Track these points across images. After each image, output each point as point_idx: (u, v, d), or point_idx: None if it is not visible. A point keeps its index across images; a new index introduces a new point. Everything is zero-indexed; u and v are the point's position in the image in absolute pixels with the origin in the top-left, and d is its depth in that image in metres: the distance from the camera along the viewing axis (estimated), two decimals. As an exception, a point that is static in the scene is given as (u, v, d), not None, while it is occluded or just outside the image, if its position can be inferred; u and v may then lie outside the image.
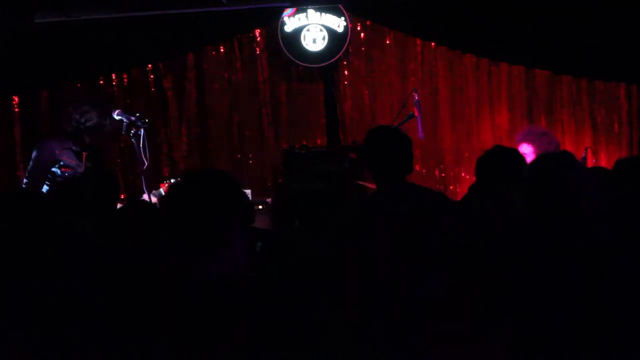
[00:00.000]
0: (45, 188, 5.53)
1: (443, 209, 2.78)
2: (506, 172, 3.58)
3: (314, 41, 7.45)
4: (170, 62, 7.59)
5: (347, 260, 2.30)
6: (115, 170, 7.34)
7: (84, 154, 5.63)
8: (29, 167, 5.59)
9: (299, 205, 3.63)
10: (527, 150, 6.19)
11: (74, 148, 5.56)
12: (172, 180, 6.01)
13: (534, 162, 3.19)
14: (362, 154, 4.06)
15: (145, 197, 5.47)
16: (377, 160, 3.94)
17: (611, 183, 3.23)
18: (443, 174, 7.66)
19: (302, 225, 3.70)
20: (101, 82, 7.52)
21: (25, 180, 5.57)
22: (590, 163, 6.27)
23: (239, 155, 7.68)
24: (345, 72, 7.67)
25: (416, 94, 6.44)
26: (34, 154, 5.59)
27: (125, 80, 7.57)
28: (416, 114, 6.32)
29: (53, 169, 5.52)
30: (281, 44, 7.47)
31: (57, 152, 5.49)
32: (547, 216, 2.84)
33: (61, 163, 5.50)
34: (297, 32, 7.46)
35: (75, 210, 3.79)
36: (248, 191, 6.15)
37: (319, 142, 7.67)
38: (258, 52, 7.59)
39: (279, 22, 7.44)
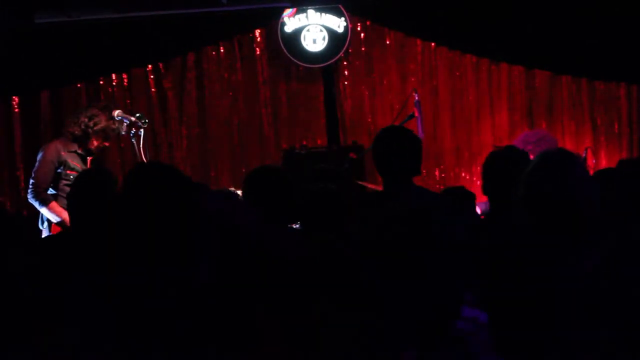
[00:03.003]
0: (51, 191, 5.53)
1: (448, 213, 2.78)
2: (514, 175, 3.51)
3: (314, 41, 7.45)
4: (170, 62, 7.59)
5: (345, 261, 2.30)
6: (114, 170, 7.34)
7: (89, 158, 5.65)
8: (35, 168, 5.61)
9: (310, 205, 3.63)
10: None
11: (79, 152, 5.59)
12: None
13: (533, 160, 3.19)
14: (371, 153, 4.01)
15: None
16: (384, 161, 3.91)
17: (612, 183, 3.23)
18: (443, 174, 7.66)
19: (307, 225, 3.71)
20: (101, 82, 7.52)
21: (31, 181, 5.58)
22: (590, 163, 6.27)
23: (239, 156, 7.68)
24: (345, 72, 7.67)
25: (416, 94, 6.44)
26: (39, 155, 5.62)
27: (125, 80, 7.57)
28: (416, 114, 6.32)
29: (59, 170, 5.53)
30: (281, 44, 7.47)
31: (62, 153, 5.53)
32: (546, 215, 2.84)
33: (67, 166, 5.53)
34: (297, 32, 7.46)
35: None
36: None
37: (319, 142, 7.67)
38: (258, 53, 7.59)
39: (279, 23, 7.44)
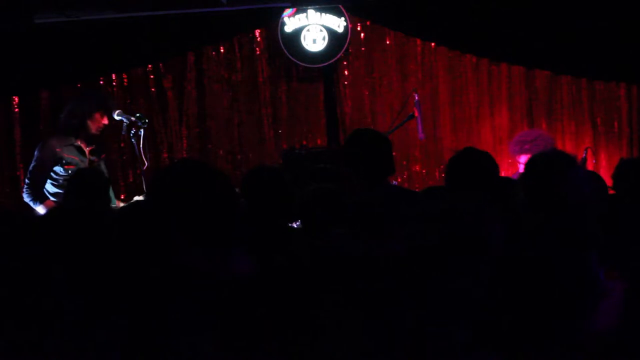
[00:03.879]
0: (50, 187, 5.53)
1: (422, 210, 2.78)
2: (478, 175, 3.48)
3: (314, 41, 7.45)
4: (170, 62, 7.59)
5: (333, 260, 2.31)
6: (114, 170, 7.35)
7: (89, 148, 5.62)
8: (30, 167, 5.62)
9: (311, 205, 3.64)
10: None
11: (76, 144, 5.57)
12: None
13: (529, 161, 3.18)
14: (342, 157, 4.07)
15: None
16: (358, 163, 3.96)
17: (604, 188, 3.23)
18: (443, 175, 7.64)
19: (310, 224, 3.71)
20: (101, 82, 7.51)
21: (26, 181, 5.60)
22: (590, 163, 6.27)
23: (239, 156, 7.68)
24: (345, 72, 7.67)
25: (416, 94, 6.45)
26: (35, 153, 5.62)
27: (125, 80, 7.56)
28: (416, 114, 6.32)
29: (55, 168, 5.53)
30: (281, 44, 7.47)
31: (57, 150, 5.52)
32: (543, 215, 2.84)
33: (64, 161, 5.52)
34: (297, 32, 7.45)
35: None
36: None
37: (319, 142, 7.67)
38: (258, 52, 7.59)
39: (279, 23, 7.44)
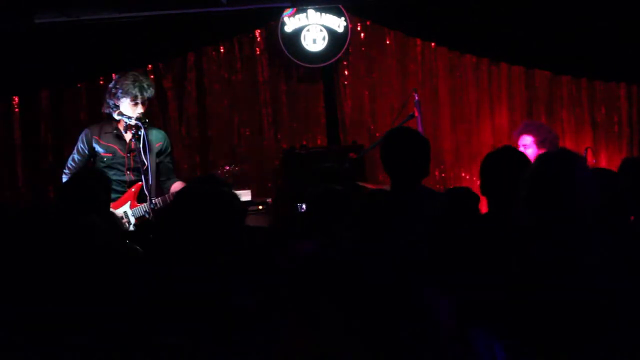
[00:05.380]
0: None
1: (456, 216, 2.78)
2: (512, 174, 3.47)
3: (314, 41, 7.45)
4: (170, 62, 7.59)
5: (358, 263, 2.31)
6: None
7: (132, 134, 5.55)
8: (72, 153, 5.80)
9: (316, 205, 3.64)
10: (528, 141, 6.28)
11: (115, 132, 5.63)
12: (230, 167, 5.99)
13: (536, 160, 3.17)
14: (380, 155, 4.04)
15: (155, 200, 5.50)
16: (392, 162, 3.93)
17: (613, 185, 3.23)
18: (443, 174, 7.66)
19: (315, 225, 3.71)
20: (101, 82, 7.51)
21: (66, 170, 5.74)
22: (590, 163, 6.28)
23: (239, 156, 7.67)
24: (345, 72, 7.66)
25: (416, 94, 6.45)
26: (77, 140, 5.78)
27: (126, 80, 7.55)
28: (416, 114, 6.32)
29: (92, 154, 5.64)
30: (281, 44, 7.46)
31: (95, 137, 5.65)
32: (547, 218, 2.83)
33: (100, 149, 5.62)
34: (297, 32, 7.45)
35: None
36: (248, 192, 6.17)
37: (319, 142, 7.66)
38: (258, 53, 7.59)
39: (279, 23, 7.44)
